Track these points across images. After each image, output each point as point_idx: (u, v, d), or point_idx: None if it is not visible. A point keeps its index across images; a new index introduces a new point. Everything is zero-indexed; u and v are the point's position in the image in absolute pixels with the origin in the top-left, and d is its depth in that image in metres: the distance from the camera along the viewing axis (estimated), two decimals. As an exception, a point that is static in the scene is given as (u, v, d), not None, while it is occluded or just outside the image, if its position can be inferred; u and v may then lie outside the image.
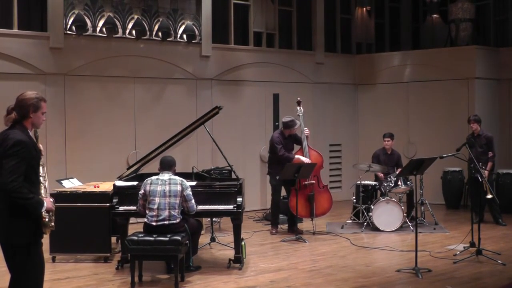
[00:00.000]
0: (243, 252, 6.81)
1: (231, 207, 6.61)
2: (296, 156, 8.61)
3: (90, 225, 6.91)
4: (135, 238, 6.00)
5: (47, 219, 3.99)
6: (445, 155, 7.27)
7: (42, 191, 4.06)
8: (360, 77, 12.50)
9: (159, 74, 10.06)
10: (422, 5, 13.30)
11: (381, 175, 9.28)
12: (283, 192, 9.01)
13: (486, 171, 8.92)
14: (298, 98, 9.00)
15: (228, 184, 6.80)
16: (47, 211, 4.00)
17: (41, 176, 4.08)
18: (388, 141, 9.51)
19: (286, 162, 8.45)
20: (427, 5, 12.92)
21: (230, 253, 7.03)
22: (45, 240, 4.13)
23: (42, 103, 4.08)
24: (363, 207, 9.10)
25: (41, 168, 4.09)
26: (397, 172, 9.08)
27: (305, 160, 8.53)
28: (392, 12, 13.36)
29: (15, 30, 8.96)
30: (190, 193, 6.23)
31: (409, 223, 8.83)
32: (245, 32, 11.25)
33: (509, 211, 9.99)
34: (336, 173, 12.23)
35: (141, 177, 7.00)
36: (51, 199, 4.11)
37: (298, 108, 8.88)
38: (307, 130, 8.79)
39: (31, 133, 4.07)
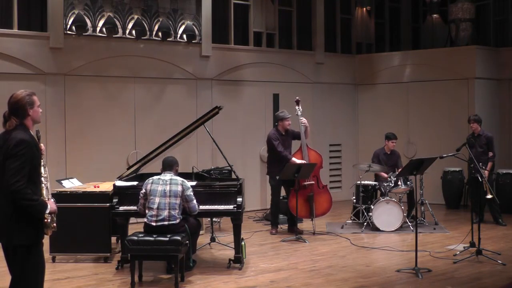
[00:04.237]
0: (243, 252, 6.81)
1: (231, 207, 6.61)
2: (292, 159, 8.58)
3: (90, 225, 6.91)
4: (135, 238, 6.00)
5: (49, 220, 3.98)
6: (445, 155, 7.28)
7: (44, 192, 4.05)
8: (360, 77, 12.50)
9: (159, 74, 10.06)
10: (422, 5, 13.31)
11: (384, 174, 9.22)
12: (283, 192, 9.01)
13: (486, 171, 8.91)
14: (297, 98, 8.99)
15: (228, 184, 6.80)
16: (50, 213, 4.00)
17: (42, 176, 4.07)
18: (394, 142, 9.49)
19: (283, 159, 8.46)
20: (427, 5, 12.94)
21: (230, 253, 7.03)
22: (45, 240, 4.13)
23: (34, 97, 4.09)
24: (363, 207, 9.10)
25: (42, 168, 4.08)
26: (397, 172, 9.07)
27: (300, 163, 8.48)
28: (392, 12, 13.36)
29: (15, 30, 8.96)
30: (191, 193, 6.23)
31: (409, 223, 8.83)
32: (245, 32, 11.25)
33: (509, 211, 9.99)
34: (336, 173, 12.22)
35: (141, 177, 7.01)
36: (53, 200, 4.11)
37: (297, 107, 8.87)
38: (304, 120, 8.71)
39: (33, 133, 4.07)
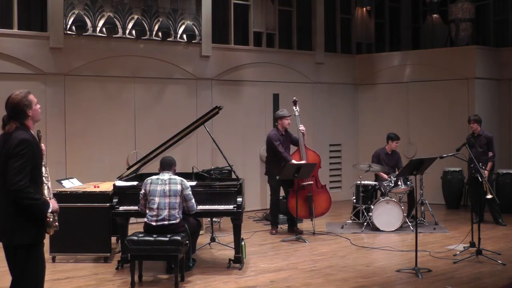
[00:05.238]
0: (243, 252, 6.81)
1: (231, 207, 6.61)
2: (292, 161, 8.53)
3: (90, 225, 6.91)
4: (135, 238, 6.00)
5: (51, 219, 3.98)
6: (445, 155, 7.27)
7: (45, 192, 4.05)
8: (360, 77, 12.50)
9: (159, 74, 10.06)
10: (422, 5, 13.31)
11: (384, 175, 9.21)
12: (282, 192, 9.00)
13: (486, 171, 8.91)
14: (294, 98, 8.99)
15: (228, 184, 6.80)
16: (52, 212, 4.00)
17: (44, 176, 4.07)
18: (397, 143, 9.47)
19: (284, 160, 8.45)
20: (427, 5, 12.93)
21: (230, 253, 7.03)
22: (45, 240, 4.12)
23: (30, 97, 4.05)
24: (363, 207, 9.10)
25: (43, 168, 4.08)
26: (397, 172, 9.07)
27: (300, 163, 8.46)
28: (392, 12, 13.36)
29: (15, 30, 8.95)
30: (190, 192, 6.24)
31: (409, 223, 8.83)
32: (245, 32, 11.25)
33: (509, 211, 10.00)
34: (336, 173, 12.23)
35: (141, 177, 7.01)
36: (54, 199, 4.11)
37: (294, 108, 8.87)
38: (302, 127, 8.74)
39: (33, 133, 4.06)
